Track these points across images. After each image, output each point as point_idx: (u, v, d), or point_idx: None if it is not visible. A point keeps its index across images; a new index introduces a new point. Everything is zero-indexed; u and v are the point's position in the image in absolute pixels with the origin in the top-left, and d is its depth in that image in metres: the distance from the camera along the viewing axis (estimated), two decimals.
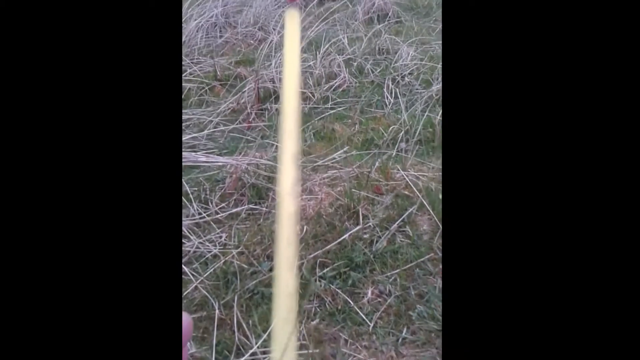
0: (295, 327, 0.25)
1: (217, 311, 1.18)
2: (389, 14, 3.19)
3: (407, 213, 1.45)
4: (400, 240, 1.38)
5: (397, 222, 1.42)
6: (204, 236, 1.40)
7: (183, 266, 1.27)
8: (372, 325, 1.16)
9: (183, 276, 1.26)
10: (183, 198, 1.51)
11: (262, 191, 1.57)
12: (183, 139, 1.82)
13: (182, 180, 1.57)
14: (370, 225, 1.42)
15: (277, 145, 1.82)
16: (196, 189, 1.58)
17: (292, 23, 0.36)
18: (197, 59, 2.62)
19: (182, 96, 2.26)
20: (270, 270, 1.29)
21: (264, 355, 1.08)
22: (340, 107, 2.14)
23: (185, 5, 3.07)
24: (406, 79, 2.32)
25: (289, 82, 0.32)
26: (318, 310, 1.20)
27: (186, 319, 0.30)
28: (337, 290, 1.24)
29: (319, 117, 2.05)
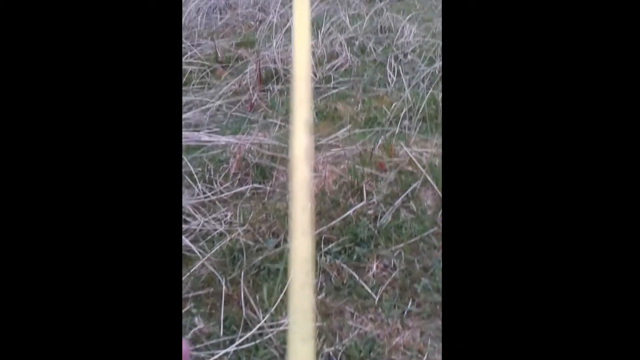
0: (313, 293, 0.25)
1: (224, 287, 1.19)
2: None
3: (410, 188, 1.45)
4: (404, 216, 1.39)
5: (400, 198, 1.42)
6: (210, 215, 1.41)
7: (190, 244, 1.29)
8: (377, 298, 1.17)
9: (190, 254, 1.28)
10: (188, 178, 1.52)
11: (265, 170, 1.58)
12: (185, 121, 1.83)
13: (187, 161, 1.58)
14: (374, 202, 1.42)
15: (279, 125, 1.82)
16: (200, 169, 1.59)
17: None
18: (197, 41, 2.61)
19: (184, 79, 2.25)
20: (276, 246, 1.30)
21: (272, 329, 1.10)
22: (342, 86, 2.13)
23: None
24: (409, 56, 2.31)
25: (300, 49, 0.32)
26: (324, 284, 1.22)
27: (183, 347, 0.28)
28: (342, 265, 1.25)
29: (321, 97, 2.04)
